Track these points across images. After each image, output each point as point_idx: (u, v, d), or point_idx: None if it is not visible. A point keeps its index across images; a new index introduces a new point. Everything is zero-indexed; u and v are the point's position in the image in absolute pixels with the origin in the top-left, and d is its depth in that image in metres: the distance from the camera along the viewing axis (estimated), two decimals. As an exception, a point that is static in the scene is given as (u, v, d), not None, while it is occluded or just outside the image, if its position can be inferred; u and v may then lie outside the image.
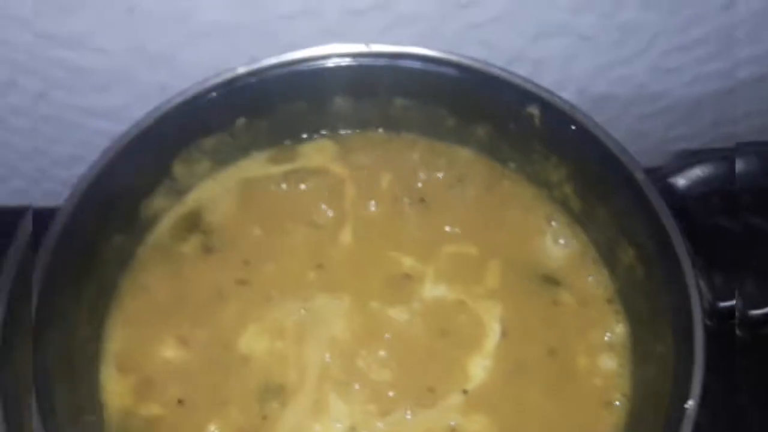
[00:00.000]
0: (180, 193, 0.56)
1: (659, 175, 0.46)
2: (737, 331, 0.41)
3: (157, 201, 0.55)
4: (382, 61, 0.52)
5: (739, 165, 0.45)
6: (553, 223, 0.53)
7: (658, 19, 0.67)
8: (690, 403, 0.38)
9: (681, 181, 0.46)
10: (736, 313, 0.41)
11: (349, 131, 0.57)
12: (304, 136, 0.58)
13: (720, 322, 0.42)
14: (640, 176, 0.45)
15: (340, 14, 0.65)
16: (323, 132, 0.57)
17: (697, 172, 0.46)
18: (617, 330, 0.49)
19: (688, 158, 0.52)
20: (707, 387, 0.40)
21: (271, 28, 0.66)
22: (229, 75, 0.50)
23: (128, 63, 0.68)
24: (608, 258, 0.50)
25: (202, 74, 0.55)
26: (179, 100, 0.48)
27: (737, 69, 0.73)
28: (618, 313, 0.49)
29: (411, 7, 0.65)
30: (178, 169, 0.54)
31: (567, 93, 0.71)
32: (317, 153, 0.57)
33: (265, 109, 0.53)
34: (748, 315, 0.42)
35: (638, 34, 0.68)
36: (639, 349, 0.47)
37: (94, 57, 0.65)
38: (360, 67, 0.52)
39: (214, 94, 0.50)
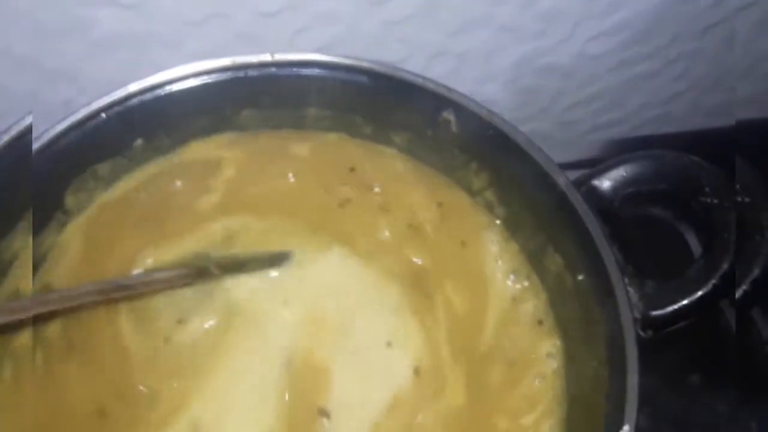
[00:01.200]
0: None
1: (582, 178, 0.45)
2: (641, 333, 0.39)
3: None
4: (289, 71, 0.49)
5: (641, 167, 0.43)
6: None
7: (578, 6, 0.66)
8: (625, 429, 0.37)
9: (606, 183, 0.44)
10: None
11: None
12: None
13: (655, 332, 0.41)
14: (562, 181, 0.44)
15: (251, 17, 0.62)
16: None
17: (621, 172, 0.44)
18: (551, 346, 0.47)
19: (613, 155, 0.50)
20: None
21: (179, 36, 0.62)
22: (120, 94, 0.46)
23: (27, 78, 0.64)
24: (537, 267, 0.48)
25: (109, 87, 0.52)
26: (64, 125, 0.44)
27: (661, 51, 0.73)
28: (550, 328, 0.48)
29: (325, 7, 0.62)
30: (71, 199, 0.49)
31: (493, 86, 0.71)
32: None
33: (164, 127, 0.49)
34: (651, 316, 0.41)
35: (560, 23, 0.67)
36: (572, 365, 0.45)
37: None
38: (266, 77, 0.49)
39: (103, 115, 0.45)
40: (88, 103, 0.46)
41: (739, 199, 0.41)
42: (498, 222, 0.51)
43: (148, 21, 0.60)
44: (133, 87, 0.47)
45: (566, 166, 0.75)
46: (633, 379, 0.37)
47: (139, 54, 0.63)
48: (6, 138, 0.44)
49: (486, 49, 0.68)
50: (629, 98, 0.77)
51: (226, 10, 0.61)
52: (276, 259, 0.50)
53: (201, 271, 0.48)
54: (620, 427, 0.37)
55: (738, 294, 0.40)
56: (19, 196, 0.44)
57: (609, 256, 0.41)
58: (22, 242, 0.48)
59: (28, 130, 0.45)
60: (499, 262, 0.50)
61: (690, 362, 0.56)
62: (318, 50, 0.64)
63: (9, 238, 0.48)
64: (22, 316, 0.42)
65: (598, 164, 0.48)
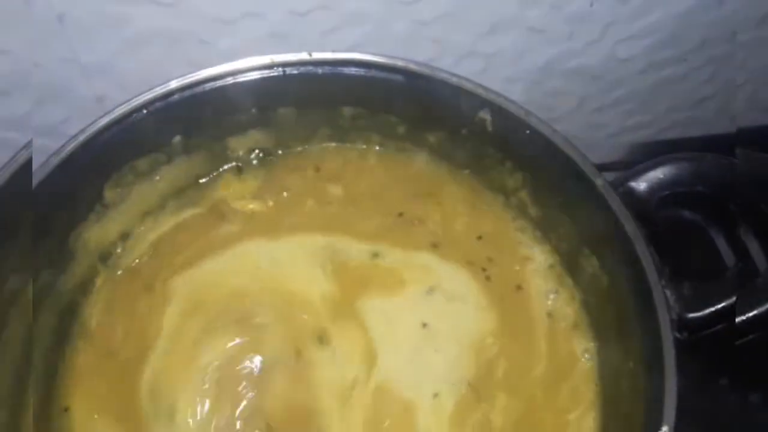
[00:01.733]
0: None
1: (619, 180, 0.45)
2: (677, 334, 0.39)
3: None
4: (326, 69, 0.49)
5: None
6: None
7: (608, 9, 0.66)
8: (664, 430, 0.37)
9: (642, 184, 0.44)
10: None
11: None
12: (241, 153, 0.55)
13: (691, 334, 0.41)
14: (599, 182, 0.44)
15: (283, 16, 0.63)
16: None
17: (659, 174, 0.44)
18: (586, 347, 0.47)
19: (639, 158, 0.50)
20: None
21: (213, 33, 0.63)
22: (161, 90, 0.46)
23: (62, 74, 0.64)
24: (572, 268, 0.48)
25: (142, 83, 0.52)
26: (106, 120, 0.44)
27: (690, 55, 0.72)
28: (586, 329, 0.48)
29: (355, 7, 0.62)
30: (110, 193, 0.50)
31: (521, 86, 0.71)
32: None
33: (203, 124, 0.50)
34: (687, 318, 0.40)
35: (589, 25, 0.67)
36: (608, 365, 0.45)
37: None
38: (304, 76, 0.49)
39: (144, 111, 0.46)
40: (128, 100, 0.46)
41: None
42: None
43: (182, 18, 0.61)
44: (174, 84, 0.47)
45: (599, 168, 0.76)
46: (671, 381, 0.37)
47: (173, 51, 0.64)
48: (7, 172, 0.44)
49: (515, 50, 0.68)
50: (657, 101, 0.77)
51: (260, 9, 0.62)
52: None
53: None
54: (659, 428, 0.37)
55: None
56: (20, 229, 0.45)
57: (647, 257, 0.41)
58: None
59: (29, 163, 0.45)
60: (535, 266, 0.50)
61: (719, 365, 0.56)
62: (349, 49, 0.65)
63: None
64: None
65: (624, 167, 0.48)
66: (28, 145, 0.43)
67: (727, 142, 0.80)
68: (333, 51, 0.50)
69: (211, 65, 0.52)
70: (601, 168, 0.77)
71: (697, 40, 0.72)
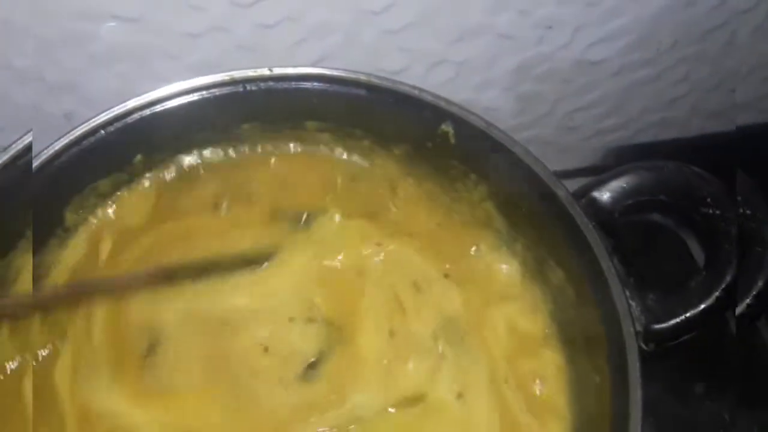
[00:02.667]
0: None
1: (582, 190, 0.44)
2: (643, 346, 0.39)
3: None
4: (287, 85, 0.49)
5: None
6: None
7: (576, 12, 0.66)
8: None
9: (605, 194, 0.44)
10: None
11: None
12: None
13: (658, 345, 0.41)
14: (561, 193, 0.43)
15: (250, 29, 0.62)
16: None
17: (621, 183, 0.44)
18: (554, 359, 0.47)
19: (617, 161, 0.50)
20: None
21: (179, 48, 0.62)
22: (119, 110, 0.46)
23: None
24: (539, 280, 0.48)
25: (110, 99, 0.52)
26: (63, 143, 0.44)
27: (661, 56, 0.72)
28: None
29: (323, 18, 0.62)
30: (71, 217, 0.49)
31: (494, 92, 0.71)
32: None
33: (164, 141, 0.49)
34: (653, 329, 0.40)
35: (559, 30, 0.67)
36: (576, 378, 0.45)
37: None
38: (265, 91, 0.49)
39: (102, 132, 0.46)
40: (87, 120, 0.45)
41: (741, 210, 0.41)
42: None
43: (148, 34, 0.60)
44: (132, 103, 0.46)
45: (572, 173, 0.76)
46: (636, 394, 0.37)
47: (140, 66, 0.63)
48: (6, 157, 0.44)
49: (485, 56, 0.68)
50: (630, 103, 0.77)
51: (226, 23, 0.61)
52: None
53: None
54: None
55: (741, 308, 0.40)
56: (20, 214, 0.44)
57: (610, 268, 0.41)
58: (24, 260, 0.48)
59: (28, 148, 0.45)
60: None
61: (694, 371, 0.56)
62: (318, 61, 0.65)
63: (10, 256, 0.47)
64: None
65: (601, 172, 0.48)
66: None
67: (703, 143, 0.81)
68: (294, 66, 0.49)
69: (180, 79, 0.52)
70: (578, 172, 0.77)
71: (669, 41, 0.72)
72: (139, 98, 0.47)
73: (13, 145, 0.43)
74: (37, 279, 0.47)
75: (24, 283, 0.47)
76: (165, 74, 0.64)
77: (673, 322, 0.41)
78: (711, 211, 0.42)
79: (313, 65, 0.64)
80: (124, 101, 0.49)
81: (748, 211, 0.41)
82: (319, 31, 0.63)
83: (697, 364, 0.55)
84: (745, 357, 0.55)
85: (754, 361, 0.56)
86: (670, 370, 0.54)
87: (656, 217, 0.44)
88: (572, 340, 0.46)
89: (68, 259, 0.50)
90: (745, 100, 0.79)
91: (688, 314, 0.41)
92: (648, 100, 0.78)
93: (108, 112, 0.46)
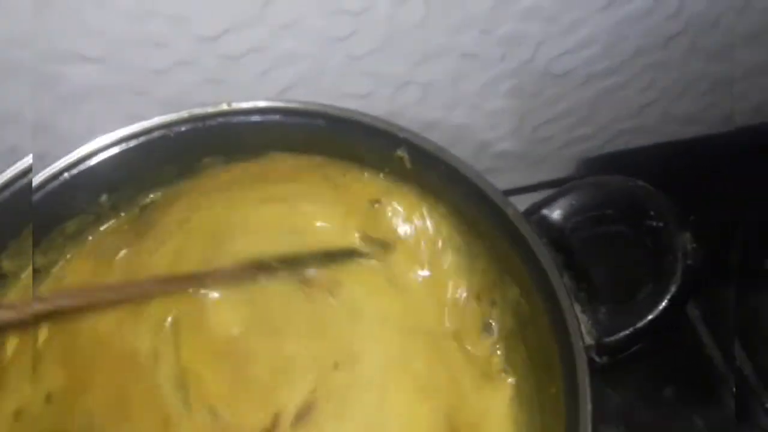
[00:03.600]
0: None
1: (533, 208, 0.46)
2: (596, 358, 0.40)
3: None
4: (246, 119, 0.50)
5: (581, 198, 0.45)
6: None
7: (538, 28, 0.67)
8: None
9: (556, 212, 0.45)
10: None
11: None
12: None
13: (611, 358, 0.42)
14: (510, 211, 0.44)
15: (216, 61, 0.64)
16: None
17: (570, 201, 0.45)
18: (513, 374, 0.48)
19: (596, 171, 0.51)
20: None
21: (147, 84, 0.64)
22: (81, 153, 0.47)
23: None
24: (497, 297, 0.49)
25: (83, 138, 0.53)
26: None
27: (626, 65, 0.74)
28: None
29: (288, 48, 0.63)
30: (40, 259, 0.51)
31: (462, 110, 0.72)
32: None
33: (128, 180, 0.51)
34: (604, 342, 0.41)
35: (521, 46, 0.68)
36: (534, 393, 0.46)
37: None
38: (225, 126, 0.50)
39: (66, 175, 0.47)
40: (49, 165, 0.47)
41: (654, 224, 0.42)
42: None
43: (115, 72, 0.62)
44: (92, 146, 0.48)
45: (546, 185, 0.77)
46: (586, 409, 0.38)
47: (109, 104, 0.65)
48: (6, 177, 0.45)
49: (450, 77, 0.69)
50: (599, 112, 0.78)
51: (191, 57, 0.63)
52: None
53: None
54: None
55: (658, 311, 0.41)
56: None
57: (560, 284, 0.42)
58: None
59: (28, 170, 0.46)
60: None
61: (662, 375, 0.57)
62: (285, 89, 0.66)
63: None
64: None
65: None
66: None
67: (671, 150, 0.82)
68: (253, 100, 0.50)
69: (149, 115, 0.53)
70: (552, 183, 0.78)
71: (632, 50, 0.73)
72: (98, 140, 0.49)
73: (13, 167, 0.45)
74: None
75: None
76: (134, 110, 0.66)
77: (622, 334, 0.42)
78: (655, 224, 0.43)
79: (280, 93, 0.66)
80: (90, 141, 0.50)
81: (660, 224, 0.42)
82: (285, 60, 0.64)
83: (666, 369, 0.56)
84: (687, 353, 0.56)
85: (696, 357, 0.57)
86: (639, 376, 0.55)
87: (606, 230, 0.45)
88: (530, 355, 0.46)
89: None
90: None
91: (637, 326, 0.42)
92: (617, 108, 0.79)
93: (69, 156, 0.47)
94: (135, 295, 0.47)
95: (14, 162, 0.46)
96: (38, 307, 0.43)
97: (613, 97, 0.77)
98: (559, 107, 0.76)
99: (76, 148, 0.51)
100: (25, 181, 0.45)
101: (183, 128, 0.50)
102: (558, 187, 0.47)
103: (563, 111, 0.77)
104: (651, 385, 0.57)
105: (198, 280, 0.49)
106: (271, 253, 0.51)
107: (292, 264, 0.51)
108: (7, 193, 0.45)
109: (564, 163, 0.80)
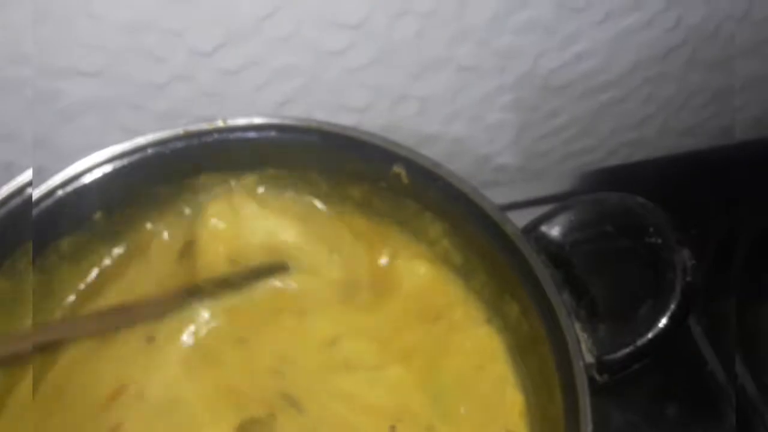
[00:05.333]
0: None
1: (531, 225, 0.45)
2: (597, 377, 0.40)
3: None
4: (242, 135, 0.50)
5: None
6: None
7: (536, 41, 0.67)
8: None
9: (555, 229, 0.45)
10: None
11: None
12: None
13: (612, 376, 0.41)
14: (509, 229, 0.44)
15: (213, 76, 0.64)
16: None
17: (569, 217, 0.44)
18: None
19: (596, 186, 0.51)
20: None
21: (144, 98, 0.64)
22: (74, 170, 0.47)
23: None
24: (496, 314, 0.49)
25: (80, 152, 0.53)
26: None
27: (624, 78, 0.73)
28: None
29: (285, 62, 0.63)
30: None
31: (460, 124, 0.72)
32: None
33: (123, 198, 0.50)
34: (604, 360, 0.41)
35: (519, 58, 0.68)
36: (536, 413, 0.45)
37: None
38: (220, 142, 0.50)
39: (60, 192, 0.47)
40: (44, 181, 0.46)
41: (653, 240, 0.42)
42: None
43: (112, 86, 0.62)
44: (85, 163, 0.47)
45: (546, 200, 0.77)
46: (586, 430, 0.37)
47: (107, 118, 0.65)
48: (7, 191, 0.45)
49: (449, 89, 0.69)
50: (599, 125, 0.78)
51: (188, 72, 0.62)
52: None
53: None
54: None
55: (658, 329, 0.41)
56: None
57: (558, 303, 0.42)
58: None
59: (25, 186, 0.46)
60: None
61: (664, 393, 0.56)
62: (283, 103, 0.66)
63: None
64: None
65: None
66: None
67: (671, 163, 0.82)
68: (248, 116, 0.50)
69: (146, 130, 0.53)
70: (552, 199, 0.78)
71: (630, 63, 0.73)
72: (93, 156, 0.48)
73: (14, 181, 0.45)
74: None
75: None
76: (132, 125, 0.66)
77: (623, 352, 0.42)
78: (654, 241, 0.42)
79: (278, 107, 0.65)
80: (83, 157, 0.49)
81: (659, 240, 0.42)
82: (282, 74, 0.64)
83: (669, 387, 0.55)
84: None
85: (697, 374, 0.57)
86: (642, 395, 0.55)
87: (605, 247, 0.44)
88: (531, 374, 0.46)
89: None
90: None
91: (637, 343, 0.41)
92: (617, 121, 0.78)
93: (63, 173, 0.47)
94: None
95: (9, 179, 0.46)
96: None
97: (613, 110, 0.77)
98: (558, 120, 0.76)
99: (71, 163, 0.50)
100: (20, 199, 0.44)
101: (179, 145, 0.49)
102: (557, 202, 0.46)
103: (563, 124, 0.77)
104: (653, 403, 0.56)
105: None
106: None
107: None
108: (3, 211, 0.43)
109: (563, 178, 0.79)
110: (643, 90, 0.75)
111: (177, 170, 0.51)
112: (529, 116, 0.74)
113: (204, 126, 0.49)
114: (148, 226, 0.52)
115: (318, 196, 0.54)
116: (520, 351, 0.47)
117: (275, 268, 0.52)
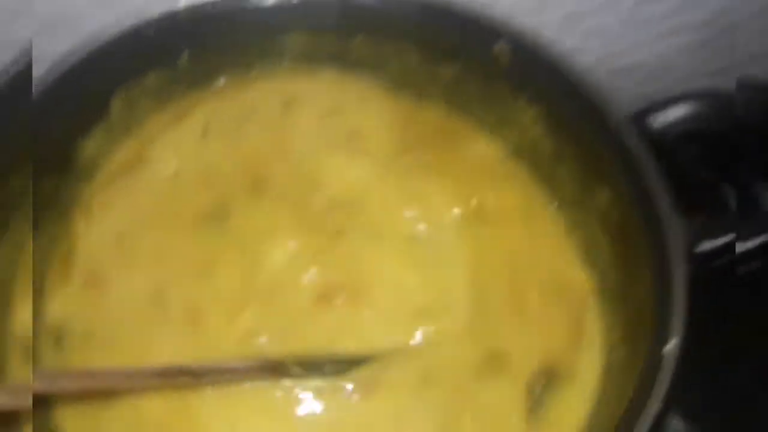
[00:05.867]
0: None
1: (636, 115, 0.44)
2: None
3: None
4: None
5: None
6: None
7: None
8: (673, 342, 0.36)
9: (659, 119, 0.43)
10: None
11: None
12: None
13: (697, 267, 0.40)
14: (616, 113, 0.43)
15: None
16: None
17: (676, 111, 0.43)
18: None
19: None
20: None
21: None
22: (171, 8, 0.45)
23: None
24: (581, 200, 0.48)
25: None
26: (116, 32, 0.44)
27: (709, 22, 0.71)
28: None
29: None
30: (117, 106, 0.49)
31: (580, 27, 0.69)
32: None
33: (210, 43, 0.50)
34: (698, 249, 0.41)
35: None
36: (619, 293, 0.45)
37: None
38: (315, 2, 0.48)
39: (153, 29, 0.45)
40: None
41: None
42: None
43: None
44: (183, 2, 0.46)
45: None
46: (680, 297, 0.36)
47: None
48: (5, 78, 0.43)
49: (531, 6, 0.67)
50: (673, 69, 0.76)
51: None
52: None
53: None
54: (667, 342, 0.36)
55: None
56: (19, 138, 0.44)
57: (660, 190, 0.41)
58: (22, 188, 0.47)
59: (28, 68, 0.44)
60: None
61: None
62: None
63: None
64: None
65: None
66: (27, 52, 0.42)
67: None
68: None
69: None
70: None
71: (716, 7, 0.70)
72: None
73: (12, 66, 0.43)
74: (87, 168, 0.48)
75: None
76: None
77: (713, 244, 0.41)
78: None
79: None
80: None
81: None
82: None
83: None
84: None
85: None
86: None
87: (710, 144, 0.43)
88: (614, 257, 0.45)
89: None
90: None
91: (726, 238, 0.40)
92: (692, 68, 0.76)
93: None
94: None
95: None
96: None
97: (690, 56, 0.75)
98: (633, 57, 0.74)
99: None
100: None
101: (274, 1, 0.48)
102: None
103: (636, 62, 0.75)
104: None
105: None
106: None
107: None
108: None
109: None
110: (723, 37, 0.73)
111: (269, 27, 0.50)
112: (607, 47, 0.72)
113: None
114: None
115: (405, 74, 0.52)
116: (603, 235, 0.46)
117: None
